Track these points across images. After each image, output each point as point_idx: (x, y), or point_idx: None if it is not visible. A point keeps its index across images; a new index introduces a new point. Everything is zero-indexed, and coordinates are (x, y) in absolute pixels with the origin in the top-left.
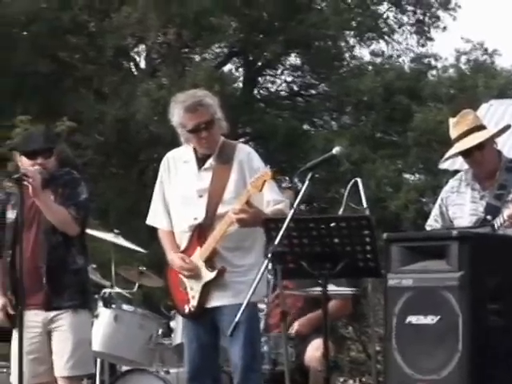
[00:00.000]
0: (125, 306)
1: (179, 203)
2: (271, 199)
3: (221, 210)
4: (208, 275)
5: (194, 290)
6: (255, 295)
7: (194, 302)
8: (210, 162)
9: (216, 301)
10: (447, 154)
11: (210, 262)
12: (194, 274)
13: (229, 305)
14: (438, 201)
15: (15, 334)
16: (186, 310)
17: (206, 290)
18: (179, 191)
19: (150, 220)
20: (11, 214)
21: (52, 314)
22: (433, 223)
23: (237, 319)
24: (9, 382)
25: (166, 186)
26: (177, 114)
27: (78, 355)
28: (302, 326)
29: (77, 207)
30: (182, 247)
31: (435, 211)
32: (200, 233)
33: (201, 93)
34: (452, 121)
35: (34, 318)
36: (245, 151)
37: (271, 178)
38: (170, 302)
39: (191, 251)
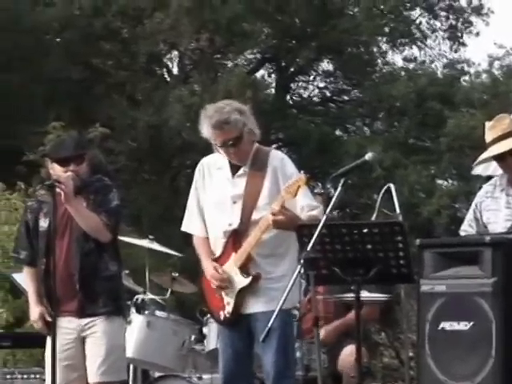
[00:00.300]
0: (158, 312)
1: (213, 209)
2: (305, 204)
3: (255, 216)
4: (243, 281)
5: (228, 296)
6: (289, 302)
7: (229, 309)
8: (244, 168)
9: (251, 307)
10: (481, 157)
11: (244, 268)
12: (224, 286)
13: (263, 311)
14: (472, 206)
15: (49, 341)
16: (222, 317)
17: (241, 296)
18: (213, 197)
19: (185, 226)
20: (44, 223)
21: (86, 320)
22: (467, 228)
23: (269, 325)
24: None
25: (200, 192)
26: (205, 128)
27: (110, 361)
28: (328, 335)
29: (108, 214)
30: (217, 253)
31: (469, 216)
32: (235, 239)
33: (228, 108)
34: (488, 124)
35: (67, 324)
36: (278, 157)
37: (305, 184)
38: (206, 307)
39: (226, 257)
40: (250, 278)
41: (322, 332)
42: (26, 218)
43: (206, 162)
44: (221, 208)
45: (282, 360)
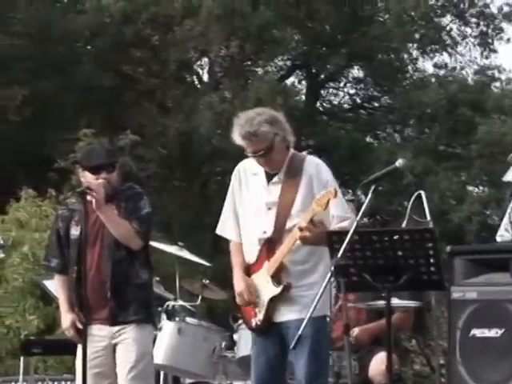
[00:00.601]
0: (188, 319)
1: (248, 216)
2: (336, 215)
3: (289, 223)
4: (274, 290)
5: (260, 304)
6: (320, 309)
7: (260, 316)
8: (279, 175)
9: (283, 316)
10: None
11: (276, 276)
12: (247, 302)
13: (295, 319)
14: (508, 210)
15: (80, 349)
16: (253, 324)
17: (272, 304)
18: (248, 203)
19: (219, 230)
20: (75, 231)
21: (116, 328)
22: (503, 233)
23: (299, 333)
24: None
25: (236, 196)
26: (236, 137)
27: (140, 367)
28: (360, 335)
29: (139, 221)
30: (252, 260)
31: (505, 220)
32: (269, 246)
33: (259, 119)
34: None
35: (98, 332)
36: (313, 164)
37: (334, 197)
38: (239, 313)
39: (260, 265)
40: (280, 288)
41: (356, 331)
42: (57, 226)
43: (242, 166)
44: (255, 215)
45: (313, 369)
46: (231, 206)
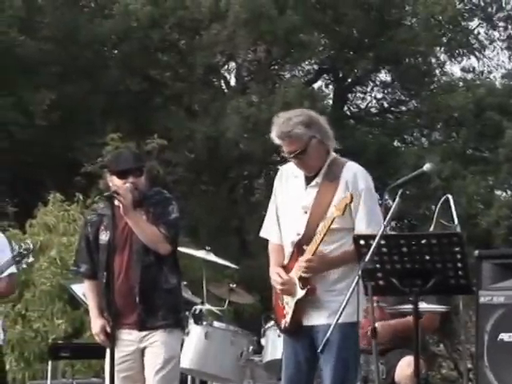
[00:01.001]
0: (215, 323)
1: (286, 218)
2: (358, 230)
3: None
4: (299, 293)
5: (288, 305)
6: (350, 316)
7: (287, 318)
8: (317, 179)
9: (311, 319)
10: None
11: (303, 279)
12: (287, 289)
13: (325, 324)
14: None
15: (108, 353)
16: (282, 326)
17: (299, 307)
18: (287, 205)
19: (263, 232)
20: (104, 236)
21: (145, 332)
22: None
23: (326, 337)
24: None
25: (278, 198)
26: (273, 136)
27: (167, 370)
28: (381, 328)
29: (167, 226)
30: (285, 262)
31: None
32: (299, 249)
33: (295, 120)
34: None
35: (127, 337)
36: (352, 171)
37: (350, 202)
38: (272, 314)
39: (290, 267)
40: (304, 291)
41: (378, 325)
42: (87, 231)
43: (285, 168)
44: (293, 217)
45: (340, 375)
46: (273, 207)
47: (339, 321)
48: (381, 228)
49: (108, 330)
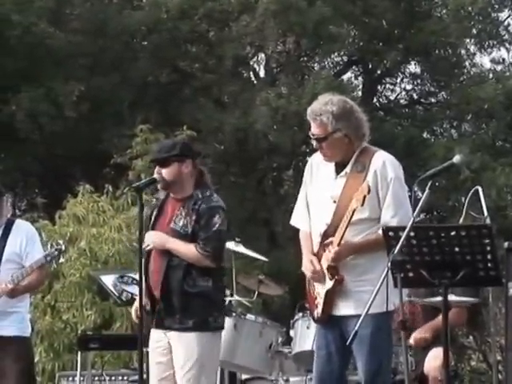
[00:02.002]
0: (244, 315)
1: (315, 207)
2: (382, 222)
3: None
4: (328, 284)
5: (319, 296)
6: (381, 306)
7: (319, 309)
8: (346, 169)
9: (340, 309)
10: None
11: (332, 269)
12: (318, 277)
13: (354, 315)
14: None
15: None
16: (315, 315)
17: (329, 297)
18: (317, 194)
19: (293, 220)
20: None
21: (165, 330)
22: None
23: (355, 329)
24: None
25: (308, 187)
26: (307, 111)
27: (185, 371)
28: (417, 342)
29: (206, 241)
30: (315, 251)
31: None
32: (326, 238)
33: (328, 108)
34: None
35: (155, 330)
36: (380, 160)
37: (368, 193)
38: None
39: (320, 255)
40: (333, 281)
41: (412, 338)
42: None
43: (316, 157)
44: (321, 206)
45: (373, 367)
46: (303, 195)
47: (369, 312)
48: (409, 219)
49: (138, 313)
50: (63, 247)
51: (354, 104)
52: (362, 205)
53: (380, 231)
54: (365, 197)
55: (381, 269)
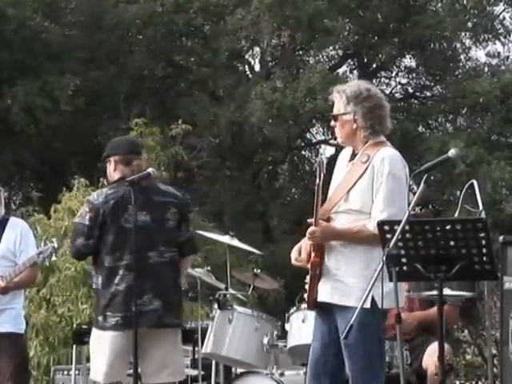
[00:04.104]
0: (240, 309)
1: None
2: (373, 217)
3: (341, 207)
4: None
5: (307, 282)
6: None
7: (305, 294)
8: (354, 160)
9: (320, 295)
10: None
11: (317, 251)
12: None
13: (340, 305)
14: None
15: None
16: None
17: (311, 281)
18: (333, 181)
19: None
20: None
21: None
22: None
23: (351, 322)
24: None
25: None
26: None
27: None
28: (407, 318)
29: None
30: None
31: None
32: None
33: (346, 88)
34: None
35: None
36: (381, 155)
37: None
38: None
39: None
40: (309, 264)
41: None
42: None
43: (343, 151)
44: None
45: (359, 362)
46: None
47: (354, 305)
48: (401, 217)
49: None
50: (56, 245)
51: (376, 95)
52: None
53: (366, 224)
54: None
55: (362, 261)
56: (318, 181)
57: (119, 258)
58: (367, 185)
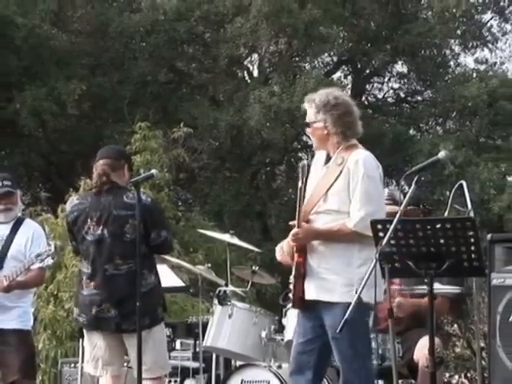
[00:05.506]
0: (239, 304)
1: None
2: (350, 211)
3: (320, 208)
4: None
5: (291, 282)
6: (348, 296)
7: (291, 292)
8: (329, 163)
9: (307, 293)
10: None
11: (300, 251)
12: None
13: (325, 302)
14: None
15: None
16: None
17: (295, 280)
18: (309, 184)
19: None
20: None
21: None
22: None
23: (345, 317)
24: None
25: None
26: None
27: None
28: (403, 301)
29: None
30: None
31: None
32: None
33: (316, 97)
34: None
35: None
36: (355, 157)
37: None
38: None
39: None
40: (294, 264)
41: (398, 299)
42: None
43: (316, 155)
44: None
45: (348, 356)
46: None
47: (339, 300)
48: (379, 216)
49: None
50: (53, 249)
51: (344, 102)
52: None
53: (345, 222)
54: None
55: (343, 258)
56: (300, 184)
57: (85, 266)
58: (344, 186)
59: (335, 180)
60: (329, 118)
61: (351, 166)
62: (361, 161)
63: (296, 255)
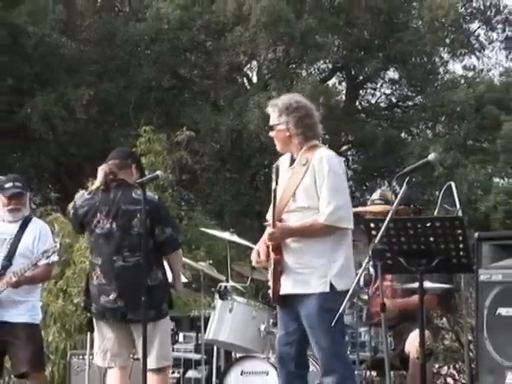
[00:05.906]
0: (239, 299)
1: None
2: (319, 206)
3: (291, 206)
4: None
5: (270, 278)
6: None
7: (269, 290)
8: (294, 164)
9: (283, 289)
10: None
11: (275, 250)
12: (262, 265)
13: (301, 294)
14: None
15: None
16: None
17: (273, 277)
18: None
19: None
20: None
21: None
22: None
23: (340, 311)
24: None
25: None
26: None
27: None
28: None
29: None
30: None
31: None
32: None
33: (278, 102)
34: None
35: None
36: (318, 156)
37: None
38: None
39: None
40: (272, 261)
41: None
42: None
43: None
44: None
45: (324, 345)
46: None
47: (313, 292)
48: (347, 208)
49: None
50: (58, 246)
51: (305, 106)
52: None
53: (316, 217)
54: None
55: (316, 252)
56: (274, 186)
57: (95, 258)
58: (310, 183)
59: (302, 179)
60: (290, 120)
61: (316, 164)
62: (325, 158)
63: (272, 254)
